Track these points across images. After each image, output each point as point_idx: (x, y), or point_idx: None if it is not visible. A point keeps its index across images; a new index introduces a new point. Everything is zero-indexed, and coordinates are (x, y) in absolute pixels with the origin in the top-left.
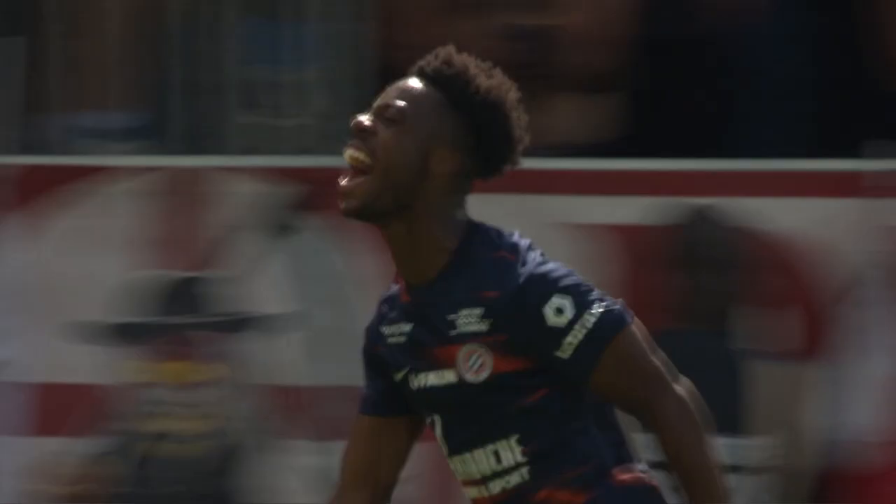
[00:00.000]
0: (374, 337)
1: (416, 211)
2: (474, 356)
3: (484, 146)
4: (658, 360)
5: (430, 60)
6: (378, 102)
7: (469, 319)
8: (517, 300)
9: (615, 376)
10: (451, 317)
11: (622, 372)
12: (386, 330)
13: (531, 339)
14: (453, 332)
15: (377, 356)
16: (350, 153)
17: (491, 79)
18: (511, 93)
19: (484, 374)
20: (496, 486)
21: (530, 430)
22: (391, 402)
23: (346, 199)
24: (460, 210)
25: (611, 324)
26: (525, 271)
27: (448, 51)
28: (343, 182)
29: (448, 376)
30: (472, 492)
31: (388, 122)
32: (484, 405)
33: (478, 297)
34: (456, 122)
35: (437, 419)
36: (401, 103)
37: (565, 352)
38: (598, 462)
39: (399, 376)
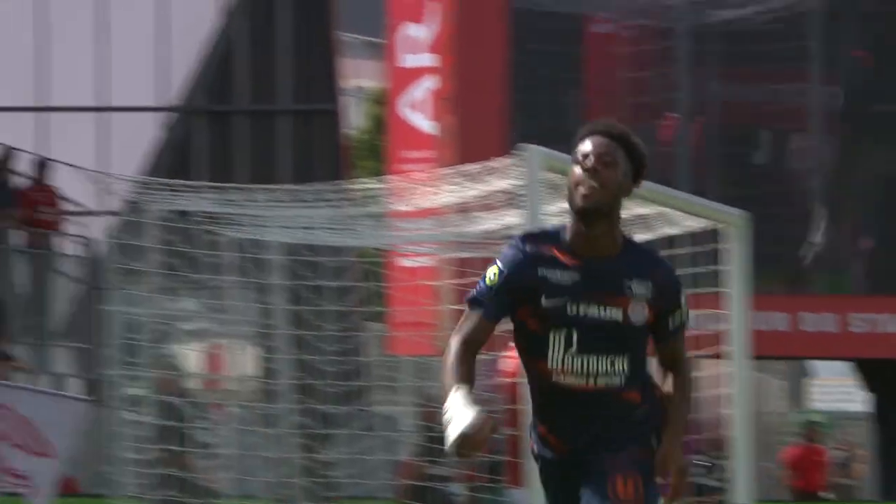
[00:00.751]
0: (528, 273)
1: (613, 215)
2: (639, 307)
3: (637, 178)
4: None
5: (608, 125)
6: (597, 151)
7: (641, 286)
8: (670, 283)
9: (679, 342)
10: (628, 281)
11: (682, 341)
12: (547, 273)
13: (668, 308)
14: (628, 291)
15: (523, 286)
16: (589, 182)
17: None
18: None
19: (642, 320)
20: (602, 381)
21: (636, 355)
22: (503, 314)
23: (585, 201)
24: None
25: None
26: (669, 267)
27: (614, 119)
28: (584, 192)
29: (615, 314)
30: (575, 381)
31: (607, 164)
32: (623, 334)
33: (648, 273)
34: (629, 164)
35: (575, 332)
36: (612, 154)
37: (675, 322)
38: (649, 379)
39: (550, 302)
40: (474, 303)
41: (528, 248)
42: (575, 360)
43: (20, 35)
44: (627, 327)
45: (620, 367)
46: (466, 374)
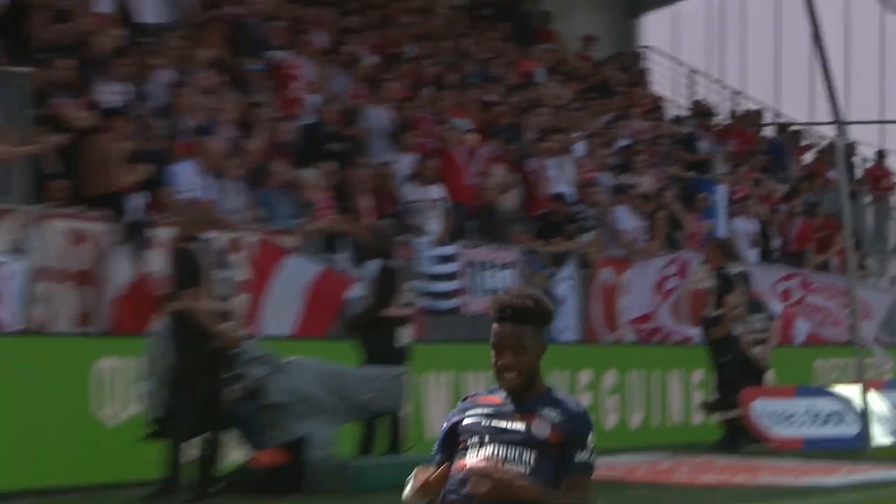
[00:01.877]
0: (457, 419)
1: (534, 378)
2: (544, 425)
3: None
4: None
5: (515, 305)
6: (509, 344)
7: (552, 412)
8: (580, 419)
9: (580, 478)
10: (541, 407)
11: (583, 479)
12: (472, 410)
13: (574, 442)
14: (538, 411)
15: (453, 430)
16: (507, 374)
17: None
18: None
19: (545, 435)
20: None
21: (532, 467)
22: (447, 455)
23: (508, 385)
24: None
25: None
26: (584, 410)
27: (520, 291)
28: (506, 379)
29: (520, 426)
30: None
31: (518, 353)
32: (526, 445)
33: (562, 406)
34: (539, 332)
35: (487, 440)
36: (521, 342)
37: (580, 458)
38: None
39: (470, 420)
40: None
41: (463, 403)
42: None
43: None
44: (531, 439)
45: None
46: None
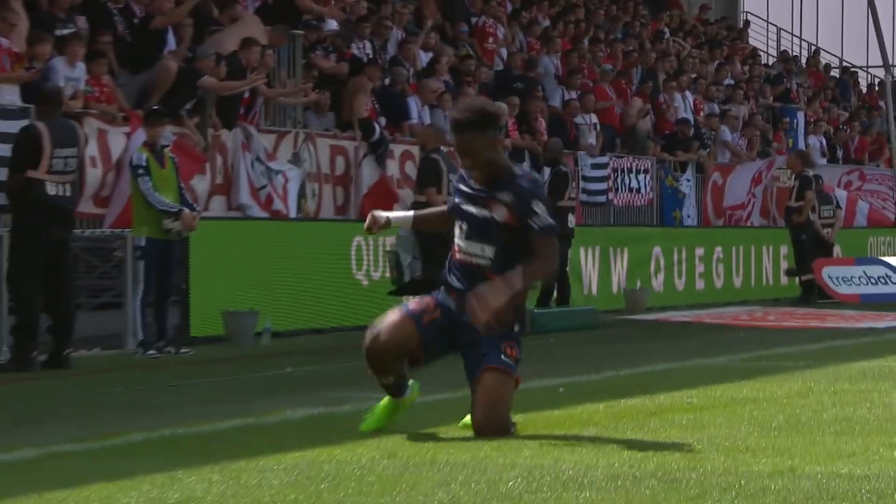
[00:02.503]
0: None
1: (495, 167)
2: (500, 209)
3: (501, 131)
4: None
5: (460, 119)
6: (463, 149)
7: (505, 195)
8: (525, 196)
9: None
10: (499, 193)
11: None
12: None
13: (526, 214)
14: (496, 197)
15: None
16: (472, 173)
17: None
18: None
19: (500, 218)
20: (476, 260)
21: (501, 245)
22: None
23: (475, 177)
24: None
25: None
26: (529, 183)
27: (470, 103)
28: (473, 174)
29: (485, 213)
30: (461, 256)
31: (466, 154)
32: (492, 228)
33: (513, 187)
34: (487, 133)
35: (465, 224)
36: (469, 146)
37: (536, 224)
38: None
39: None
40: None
41: (458, 178)
42: (464, 242)
43: None
44: (494, 223)
45: (488, 252)
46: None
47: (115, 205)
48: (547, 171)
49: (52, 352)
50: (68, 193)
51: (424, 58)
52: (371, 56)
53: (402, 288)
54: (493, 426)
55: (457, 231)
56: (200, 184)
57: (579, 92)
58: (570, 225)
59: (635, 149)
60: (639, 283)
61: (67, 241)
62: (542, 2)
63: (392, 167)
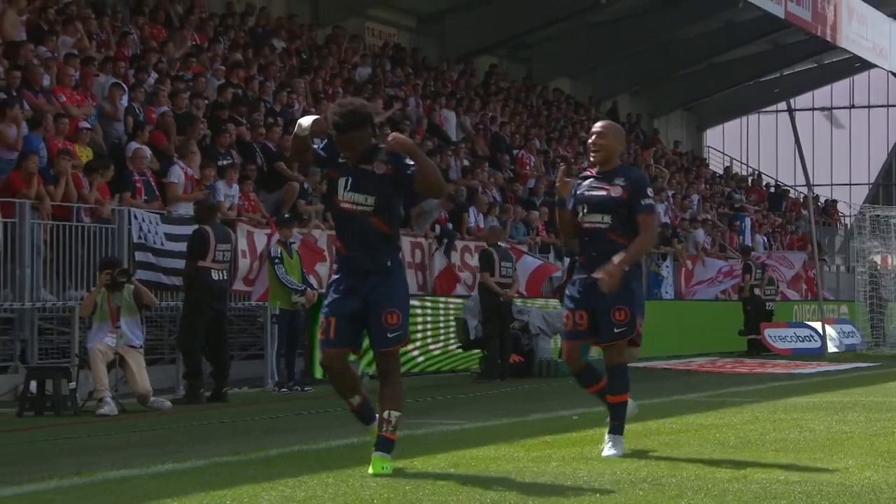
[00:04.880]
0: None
1: (367, 151)
2: (380, 164)
3: (371, 128)
4: None
5: (340, 120)
6: (343, 146)
7: (381, 165)
8: (402, 162)
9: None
10: (375, 161)
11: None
12: None
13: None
14: (374, 163)
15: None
16: (350, 161)
17: None
18: None
19: (381, 172)
20: (360, 207)
21: (381, 196)
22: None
23: (352, 162)
24: None
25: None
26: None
27: (347, 106)
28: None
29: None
30: (346, 205)
31: (353, 148)
32: (374, 181)
33: (387, 157)
34: (363, 131)
35: (350, 179)
36: (352, 146)
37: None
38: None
39: None
40: None
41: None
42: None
43: None
44: (379, 179)
45: (367, 201)
46: None
47: (259, 285)
48: (566, 260)
49: (213, 390)
50: (225, 277)
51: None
52: None
53: (467, 344)
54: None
55: (341, 184)
56: (322, 269)
57: None
58: None
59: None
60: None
61: (225, 311)
62: (563, 139)
63: (455, 257)
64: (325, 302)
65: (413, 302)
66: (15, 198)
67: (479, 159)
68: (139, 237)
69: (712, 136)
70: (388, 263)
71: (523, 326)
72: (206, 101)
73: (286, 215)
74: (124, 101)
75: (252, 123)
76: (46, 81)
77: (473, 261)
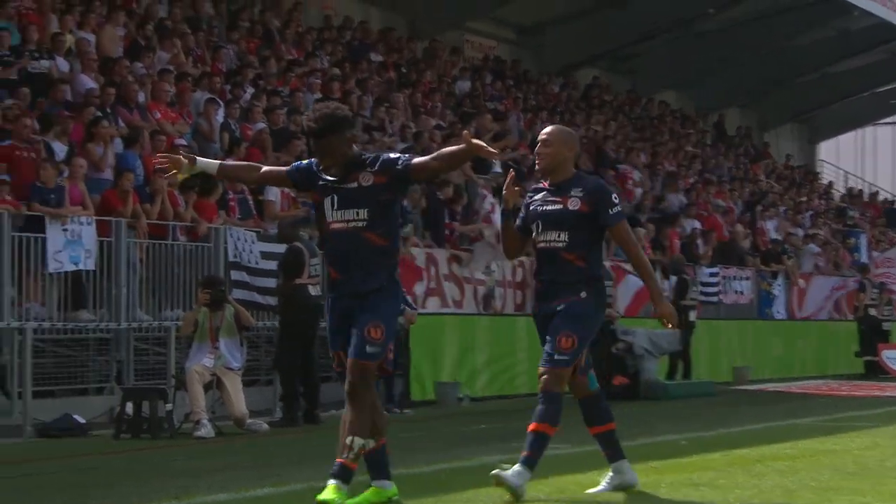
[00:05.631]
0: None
1: (348, 160)
2: (367, 175)
3: (349, 132)
4: None
5: (312, 125)
6: (320, 152)
7: (368, 176)
8: (390, 162)
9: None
10: (361, 174)
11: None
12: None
13: (397, 180)
14: (361, 175)
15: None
16: (329, 171)
17: None
18: None
19: (369, 183)
20: (353, 224)
21: (374, 208)
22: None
23: (331, 172)
24: None
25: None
26: (393, 159)
27: (321, 110)
28: (329, 172)
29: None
30: (338, 225)
31: (330, 154)
32: (362, 196)
33: (377, 164)
34: (339, 135)
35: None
36: (323, 151)
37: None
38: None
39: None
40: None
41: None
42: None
43: None
44: (363, 190)
45: (364, 215)
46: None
47: None
48: (673, 278)
49: (305, 412)
50: (320, 292)
51: None
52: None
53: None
54: None
55: (328, 205)
56: (419, 288)
57: (697, 220)
58: (691, 319)
59: (739, 260)
60: (743, 363)
61: (317, 329)
62: (668, 153)
63: None
64: (330, 328)
65: (518, 321)
66: (111, 216)
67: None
68: (234, 256)
69: (826, 149)
70: (385, 283)
71: (628, 347)
72: (304, 117)
73: None
74: (220, 116)
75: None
76: (142, 98)
77: None
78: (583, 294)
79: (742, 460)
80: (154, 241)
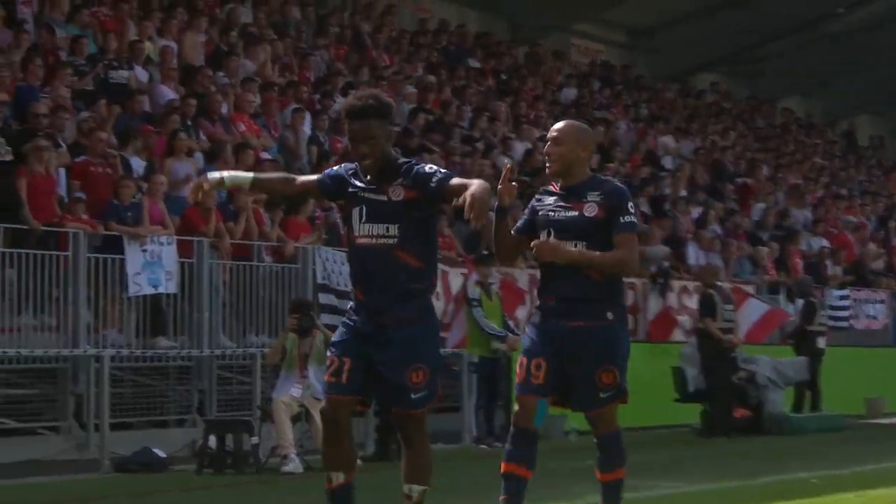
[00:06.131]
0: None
1: (388, 159)
2: (398, 189)
3: (391, 122)
4: None
5: (357, 105)
6: (361, 135)
7: (399, 188)
8: (422, 178)
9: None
10: (395, 184)
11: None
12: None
13: (429, 195)
14: (394, 186)
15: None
16: (365, 161)
17: None
18: None
19: (400, 198)
20: (382, 240)
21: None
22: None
23: (368, 166)
24: None
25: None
26: (425, 169)
27: (366, 92)
28: (365, 163)
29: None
30: (363, 240)
31: (365, 141)
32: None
33: (408, 175)
34: (385, 122)
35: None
36: (369, 133)
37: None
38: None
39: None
40: None
41: (347, 166)
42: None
43: None
44: (394, 205)
45: (391, 230)
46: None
47: (455, 330)
48: (799, 302)
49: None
50: None
51: (695, 212)
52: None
53: (686, 397)
54: None
55: (355, 216)
56: (521, 312)
57: (825, 238)
58: (819, 346)
59: (872, 282)
60: (877, 393)
61: None
62: (793, 164)
63: (672, 298)
64: (336, 338)
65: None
66: (192, 236)
67: (699, 189)
68: (323, 278)
69: None
70: (417, 311)
71: (750, 377)
72: (398, 128)
73: (484, 252)
74: (307, 128)
75: (447, 151)
76: (224, 109)
77: (692, 302)
78: (609, 315)
79: (880, 502)
80: (238, 262)
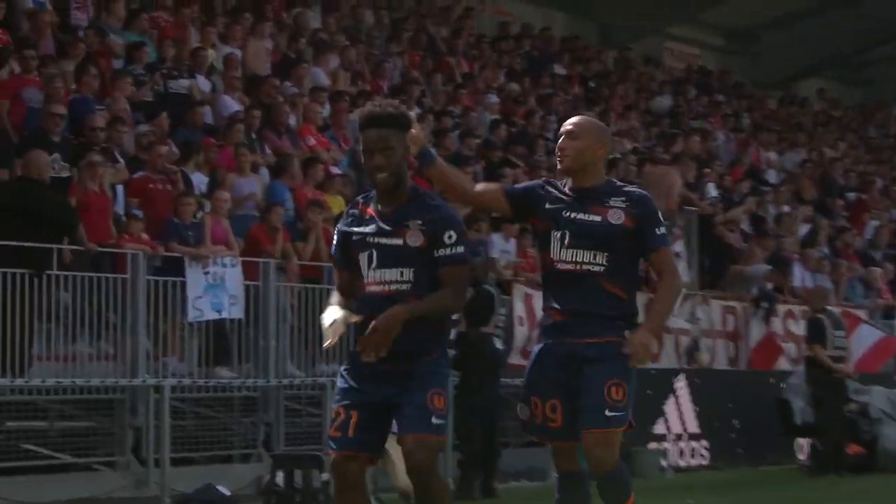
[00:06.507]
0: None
1: (403, 177)
2: (416, 234)
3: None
4: None
5: (377, 112)
6: (377, 145)
7: (417, 224)
8: (443, 222)
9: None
10: (410, 223)
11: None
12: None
13: (438, 240)
14: (409, 226)
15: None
16: (379, 174)
17: None
18: None
19: (418, 244)
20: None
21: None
22: None
23: (381, 180)
24: None
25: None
26: (445, 211)
27: (384, 102)
28: (379, 176)
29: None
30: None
31: (382, 151)
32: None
33: (427, 213)
34: (402, 134)
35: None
36: (385, 142)
37: (445, 253)
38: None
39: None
40: None
41: (350, 212)
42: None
43: None
44: (408, 249)
45: (405, 276)
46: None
47: None
48: None
49: (481, 481)
50: (504, 346)
51: (801, 229)
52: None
53: (790, 430)
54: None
55: (363, 262)
56: None
57: None
58: None
59: None
60: None
61: (498, 387)
62: None
63: (776, 324)
64: (340, 386)
65: (726, 374)
66: (258, 257)
67: (805, 204)
68: None
69: None
70: (433, 354)
71: (862, 409)
72: (478, 140)
73: None
74: None
75: (531, 166)
76: (292, 121)
77: (799, 328)
78: (627, 334)
79: None
80: (307, 286)
